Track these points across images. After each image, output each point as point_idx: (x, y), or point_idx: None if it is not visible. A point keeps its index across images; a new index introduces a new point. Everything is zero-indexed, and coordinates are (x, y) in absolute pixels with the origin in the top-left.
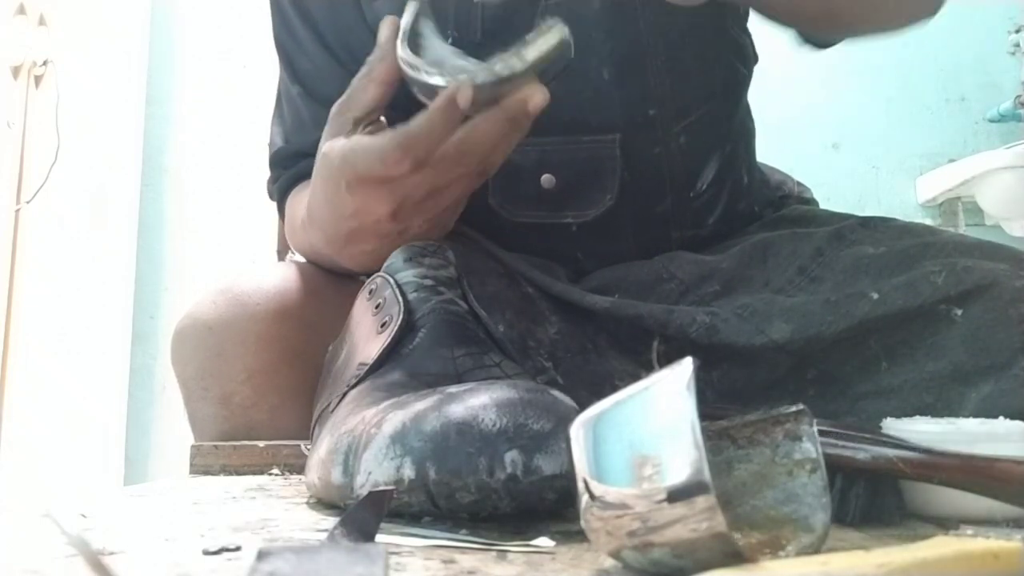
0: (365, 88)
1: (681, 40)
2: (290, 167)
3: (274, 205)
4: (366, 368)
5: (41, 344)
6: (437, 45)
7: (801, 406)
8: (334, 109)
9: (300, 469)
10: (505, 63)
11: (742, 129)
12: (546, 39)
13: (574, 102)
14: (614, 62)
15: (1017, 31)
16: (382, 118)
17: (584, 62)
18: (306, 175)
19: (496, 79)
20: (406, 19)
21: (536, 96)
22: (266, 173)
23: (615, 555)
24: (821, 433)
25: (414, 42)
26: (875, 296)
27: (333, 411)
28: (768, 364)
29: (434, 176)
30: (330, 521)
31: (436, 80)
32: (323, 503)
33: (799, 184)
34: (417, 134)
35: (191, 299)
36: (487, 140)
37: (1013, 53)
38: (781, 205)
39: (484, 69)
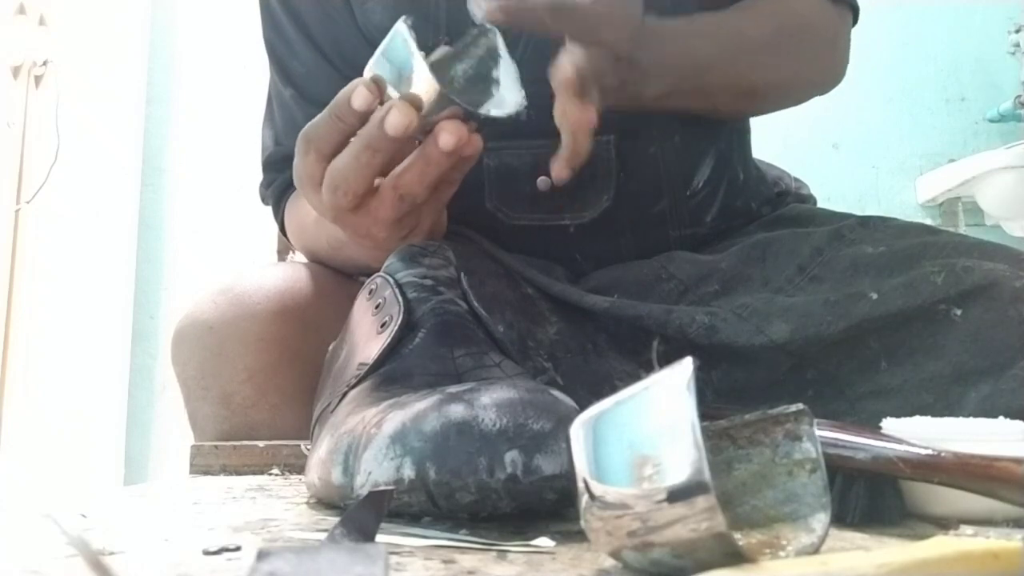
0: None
1: None
2: (283, 170)
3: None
4: (366, 368)
5: (41, 344)
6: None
7: (801, 406)
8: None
9: (300, 469)
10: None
11: (737, 126)
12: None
13: None
14: None
15: (1017, 31)
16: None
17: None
18: None
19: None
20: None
21: (392, 116)
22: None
23: (615, 555)
24: (821, 433)
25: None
26: (875, 296)
27: (333, 411)
28: (768, 364)
29: (329, 202)
30: (330, 521)
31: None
32: (323, 503)
33: (796, 180)
34: (317, 124)
35: (191, 299)
36: (350, 166)
37: (1013, 53)
38: (779, 203)
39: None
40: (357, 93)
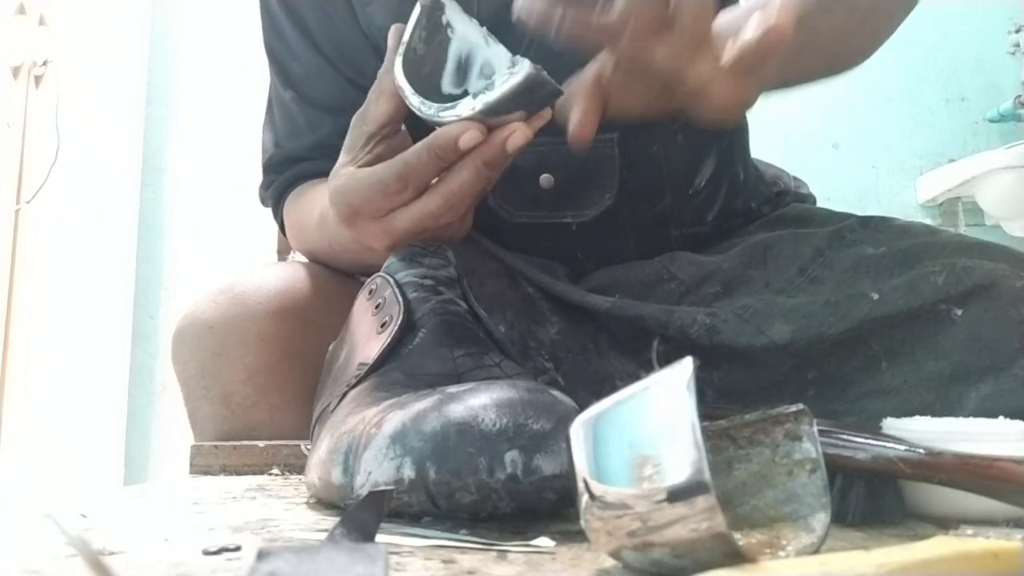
0: (376, 102)
1: None
2: (283, 172)
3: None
4: (366, 368)
5: (41, 344)
6: (466, 32)
7: (801, 406)
8: (353, 120)
9: (300, 469)
10: (468, 106)
11: (737, 125)
12: (507, 81)
13: None
14: None
15: (1017, 31)
16: (403, 127)
17: (580, 63)
18: (301, 179)
19: (459, 119)
20: (407, 29)
21: (515, 136)
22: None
23: (615, 555)
24: (821, 433)
25: (433, 41)
26: (875, 296)
27: (333, 411)
28: (768, 365)
29: (424, 219)
30: (330, 521)
31: (417, 111)
32: (323, 503)
33: (795, 179)
34: (415, 165)
35: (191, 299)
36: (468, 185)
37: (1013, 53)
38: (779, 202)
39: (454, 112)
40: (468, 136)
